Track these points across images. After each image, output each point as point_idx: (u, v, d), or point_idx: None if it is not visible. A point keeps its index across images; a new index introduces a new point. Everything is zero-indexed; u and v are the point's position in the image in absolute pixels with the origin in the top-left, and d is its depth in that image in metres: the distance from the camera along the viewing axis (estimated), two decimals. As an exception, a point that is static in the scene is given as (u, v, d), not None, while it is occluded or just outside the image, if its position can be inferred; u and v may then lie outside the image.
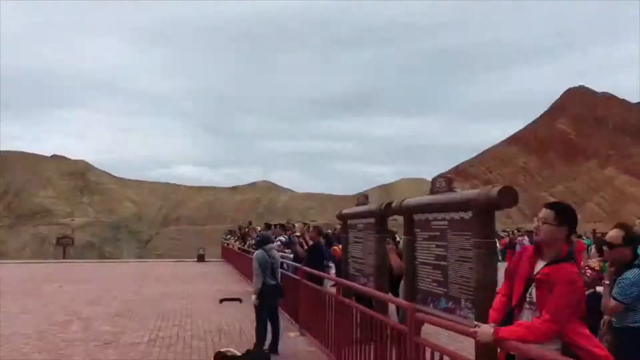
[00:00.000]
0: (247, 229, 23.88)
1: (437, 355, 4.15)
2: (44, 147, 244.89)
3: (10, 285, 16.45)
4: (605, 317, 4.75)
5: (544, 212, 3.47)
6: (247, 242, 20.42)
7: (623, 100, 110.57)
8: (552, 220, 3.42)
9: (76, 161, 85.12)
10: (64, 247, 42.94)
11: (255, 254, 8.41)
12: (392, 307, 8.00)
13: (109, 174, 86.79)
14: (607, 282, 4.55)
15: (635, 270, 4.33)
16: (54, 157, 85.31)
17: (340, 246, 11.42)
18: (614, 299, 4.38)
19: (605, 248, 4.79)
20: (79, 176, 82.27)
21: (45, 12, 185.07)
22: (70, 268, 24.90)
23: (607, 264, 4.70)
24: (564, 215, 3.44)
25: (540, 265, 3.44)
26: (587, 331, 3.31)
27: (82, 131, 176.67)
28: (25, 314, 11.47)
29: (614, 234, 4.53)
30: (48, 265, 27.58)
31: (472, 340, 3.66)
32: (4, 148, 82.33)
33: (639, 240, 4.59)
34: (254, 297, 8.00)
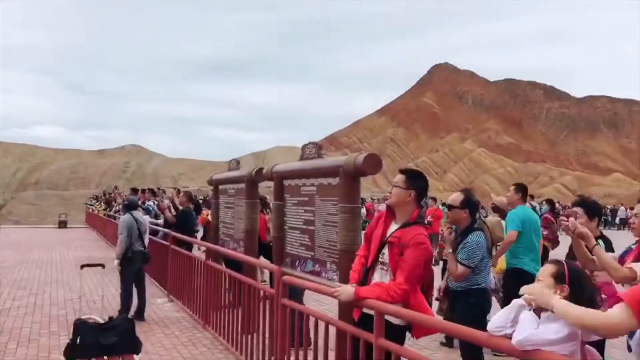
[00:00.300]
0: (112, 194, 22.98)
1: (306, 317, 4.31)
2: None
3: None
4: (441, 284, 5.04)
5: (397, 177, 3.71)
6: (113, 208, 19.69)
7: (483, 77, 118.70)
8: (403, 184, 3.65)
9: None
10: None
11: (121, 218, 8.16)
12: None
13: (-45, 133, 78.74)
14: (450, 250, 4.79)
15: (477, 233, 4.66)
16: None
17: (207, 212, 11.30)
18: (461, 264, 4.62)
19: (446, 210, 5.17)
20: None
21: None
22: None
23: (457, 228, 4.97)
24: (413, 180, 3.68)
25: (393, 227, 3.65)
26: (418, 289, 3.58)
27: None
28: None
29: (454, 197, 4.90)
30: None
31: (338, 303, 3.83)
32: None
33: (476, 204, 4.95)
34: (116, 262, 7.76)
